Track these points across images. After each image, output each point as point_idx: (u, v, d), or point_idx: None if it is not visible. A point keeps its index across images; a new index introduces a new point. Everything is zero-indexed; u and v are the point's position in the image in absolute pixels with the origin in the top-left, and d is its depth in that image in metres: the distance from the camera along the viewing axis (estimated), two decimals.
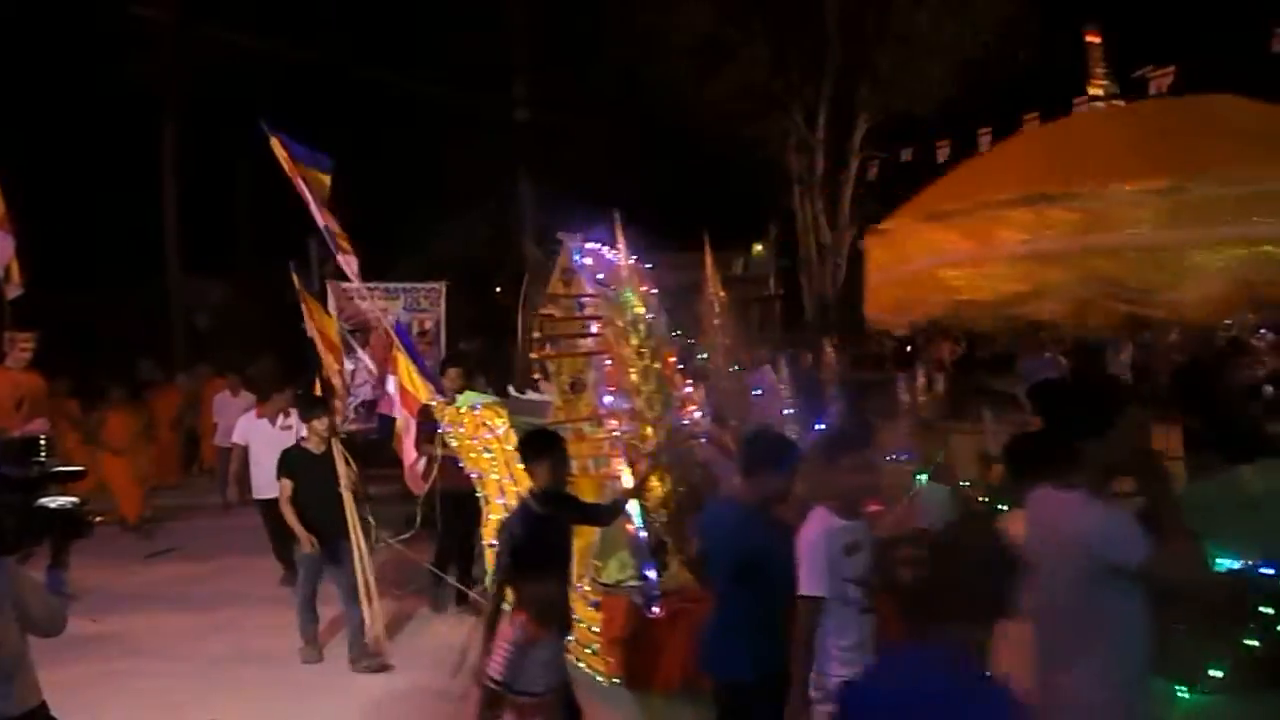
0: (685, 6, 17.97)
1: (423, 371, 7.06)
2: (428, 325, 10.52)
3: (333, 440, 6.40)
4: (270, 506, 7.62)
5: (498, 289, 23.90)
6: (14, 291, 7.00)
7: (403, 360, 7.27)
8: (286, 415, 8.09)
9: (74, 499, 2.86)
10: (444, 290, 10.50)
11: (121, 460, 10.41)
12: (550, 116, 22.28)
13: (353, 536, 6.28)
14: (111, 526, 9.98)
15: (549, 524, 4.23)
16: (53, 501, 2.81)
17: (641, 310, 6.23)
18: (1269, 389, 11.18)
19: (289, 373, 23.03)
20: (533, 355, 7.14)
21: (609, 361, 6.43)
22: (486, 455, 5.96)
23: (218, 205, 27.12)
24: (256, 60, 21.66)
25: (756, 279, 23.54)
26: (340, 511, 6.29)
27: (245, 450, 8.26)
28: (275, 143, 6.63)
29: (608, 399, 6.34)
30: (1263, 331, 16.34)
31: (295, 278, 7.75)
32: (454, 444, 6.18)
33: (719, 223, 23.56)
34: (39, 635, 2.99)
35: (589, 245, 6.86)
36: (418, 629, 7.09)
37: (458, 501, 6.87)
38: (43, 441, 2.92)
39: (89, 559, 7.97)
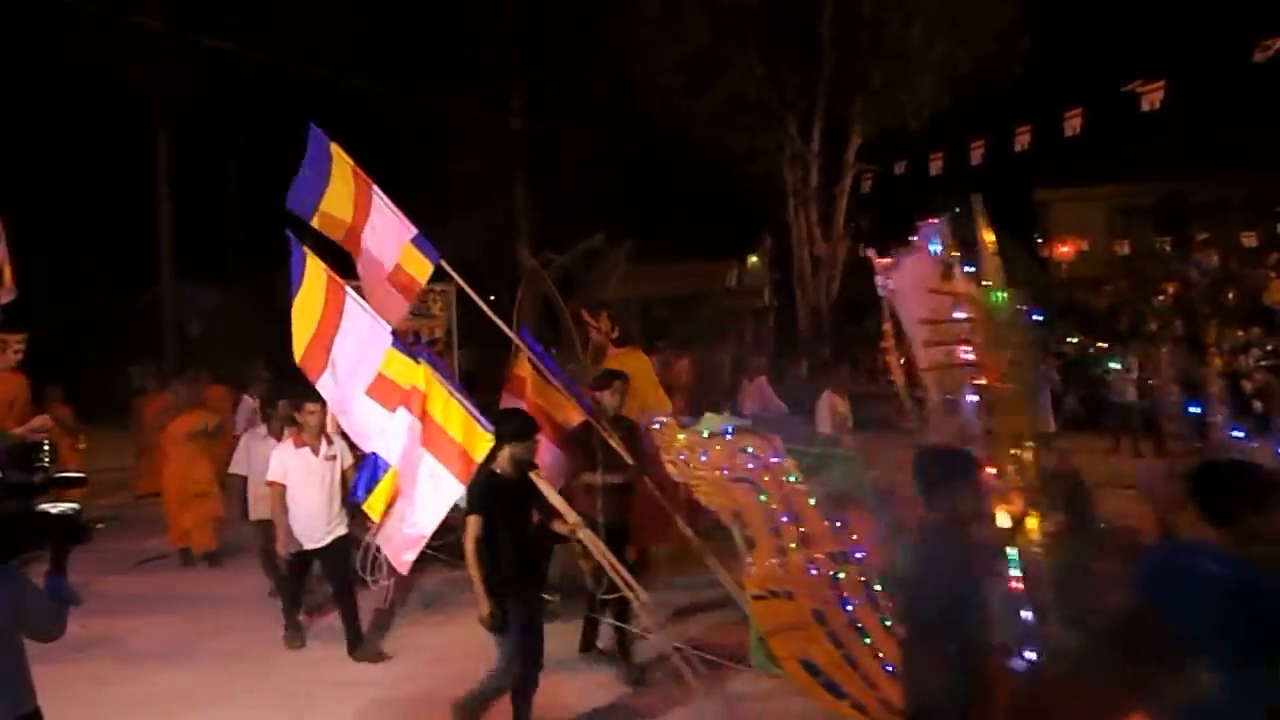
0: (680, 19, 18.08)
1: (569, 388, 6.08)
2: (438, 333, 9.31)
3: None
4: (310, 559, 6.61)
5: (491, 297, 23.90)
6: (6, 296, 6.98)
7: (533, 376, 6.23)
8: (330, 442, 6.66)
9: (75, 505, 2.88)
10: (454, 294, 9.16)
11: (178, 477, 9.18)
12: (546, 126, 22.36)
13: (625, 588, 5.26)
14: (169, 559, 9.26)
15: (973, 565, 3.41)
16: (54, 507, 2.82)
17: (1017, 312, 5.23)
18: (1257, 404, 11.27)
19: (279, 380, 22.93)
20: (923, 368, 5.63)
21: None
22: (749, 488, 4.89)
23: (211, 212, 27.15)
24: (250, 67, 21.66)
25: (750, 291, 23.62)
26: (539, 560, 5.36)
27: (283, 489, 6.60)
28: (336, 147, 6.11)
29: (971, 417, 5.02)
30: (1253, 349, 16.48)
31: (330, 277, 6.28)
32: (695, 475, 5.13)
33: (713, 234, 23.75)
34: (37, 640, 3.00)
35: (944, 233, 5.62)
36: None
37: (619, 536, 6.00)
38: (45, 447, 2.93)
39: (80, 564, 7.93)
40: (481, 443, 5.12)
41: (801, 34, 18.60)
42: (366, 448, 5.65)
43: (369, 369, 5.57)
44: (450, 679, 5.97)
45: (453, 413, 5.32)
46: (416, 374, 5.46)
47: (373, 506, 5.60)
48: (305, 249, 5.86)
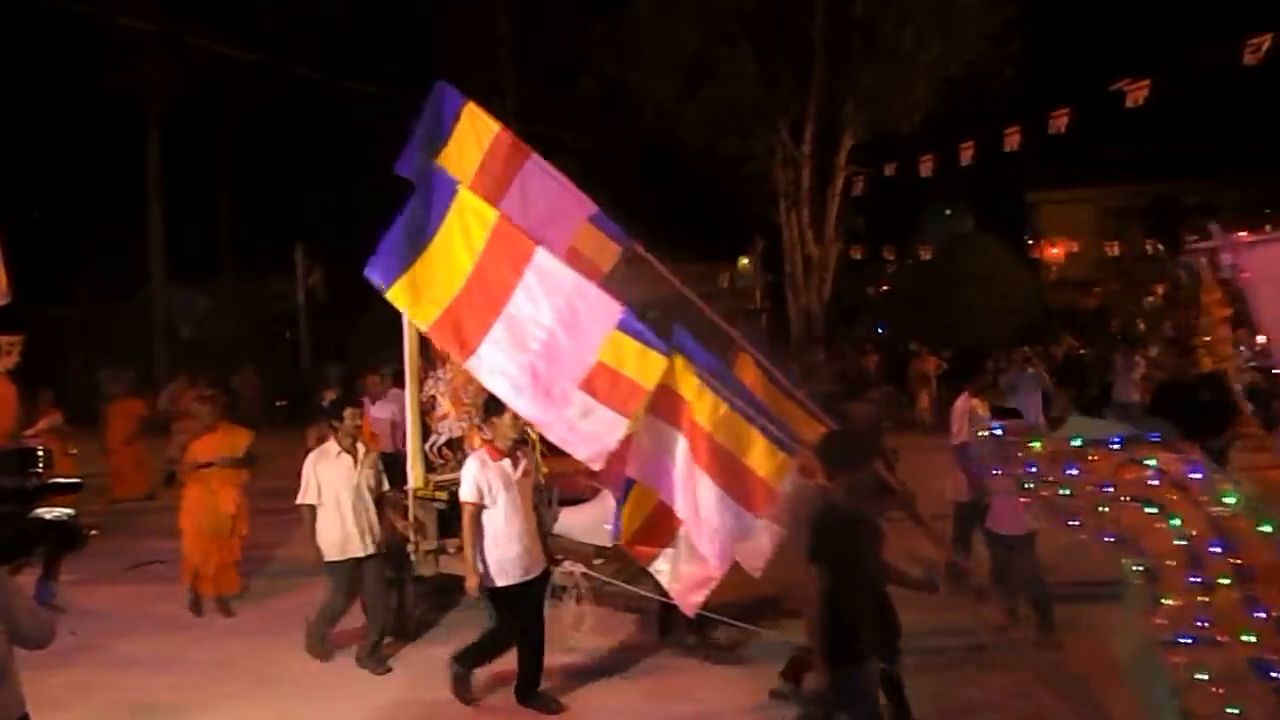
0: (673, 23, 18.10)
1: (812, 398, 4.96)
2: None
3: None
4: (512, 598, 5.30)
5: None
6: (1, 299, 6.95)
7: (763, 384, 4.99)
8: (526, 451, 5.60)
9: (69, 510, 2.85)
10: None
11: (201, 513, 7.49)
12: (538, 128, 22.34)
13: None
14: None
15: None
16: (49, 512, 2.80)
17: None
18: (1248, 404, 11.32)
19: (270, 383, 22.80)
20: None
21: None
22: (1150, 511, 3.96)
23: (202, 214, 27.05)
24: (242, 70, 21.59)
25: (742, 292, 23.68)
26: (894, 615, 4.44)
27: (479, 511, 5.26)
28: (473, 108, 5.22)
29: None
30: (1241, 349, 16.56)
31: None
32: (1057, 494, 4.17)
33: (705, 236, 23.81)
34: (27, 647, 2.97)
35: None
36: None
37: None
38: (40, 453, 2.91)
39: (69, 570, 7.90)
40: (783, 466, 4.13)
41: (794, 37, 18.65)
42: (584, 458, 4.44)
43: (583, 353, 4.25)
44: (442, 688, 5.96)
45: (732, 424, 4.18)
46: (658, 369, 4.16)
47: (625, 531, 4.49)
48: (460, 185, 4.54)
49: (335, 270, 24.94)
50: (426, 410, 6.68)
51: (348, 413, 6.18)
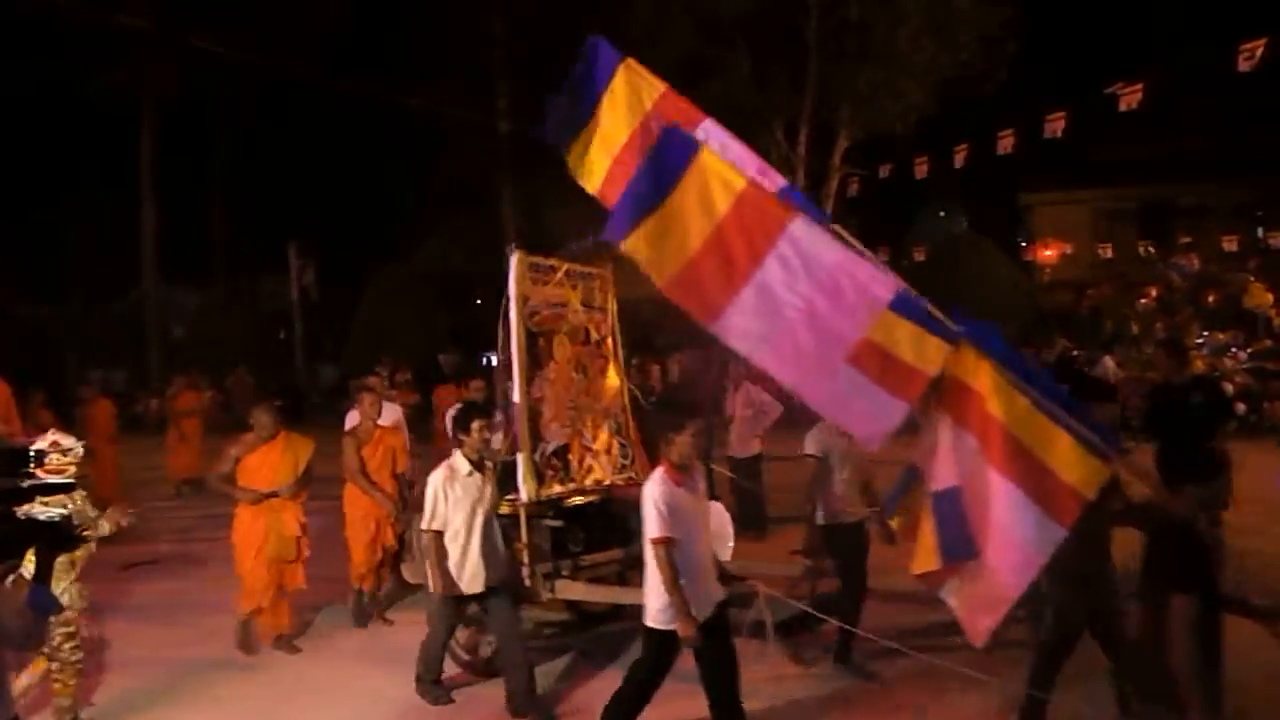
0: (668, 23, 18.11)
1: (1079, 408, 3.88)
2: (603, 331, 6.90)
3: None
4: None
5: (478, 300, 23.89)
6: None
7: (988, 372, 3.77)
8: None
9: (64, 511, 2.84)
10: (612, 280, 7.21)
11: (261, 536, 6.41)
12: (533, 128, 22.32)
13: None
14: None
15: None
16: (44, 513, 2.79)
17: None
18: (1241, 406, 11.36)
19: (265, 384, 22.74)
20: None
21: None
22: None
23: (194, 214, 27.02)
24: (236, 70, 21.54)
25: None
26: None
27: (672, 545, 4.38)
28: (632, 65, 4.86)
29: None
30: (1234, 350, 16.62)
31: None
32: None
33: None
34: (14, 649, 2.97)
35: None
36: None
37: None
38: (33, 453, 2.90)
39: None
40: (1094, 472, 3.58)
41: (788, 39, 18.67)
42: (860, 437, 4.17)
43: (849, 328, 3.90)
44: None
45: (1032, 420, 3.63)
46: (940, 355, 3.78)
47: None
48: (702, 144, 4.26)
49: (329, 269, 24.94)
50: (534, 414, 6.11)
51: (475, 424, 5.39)
